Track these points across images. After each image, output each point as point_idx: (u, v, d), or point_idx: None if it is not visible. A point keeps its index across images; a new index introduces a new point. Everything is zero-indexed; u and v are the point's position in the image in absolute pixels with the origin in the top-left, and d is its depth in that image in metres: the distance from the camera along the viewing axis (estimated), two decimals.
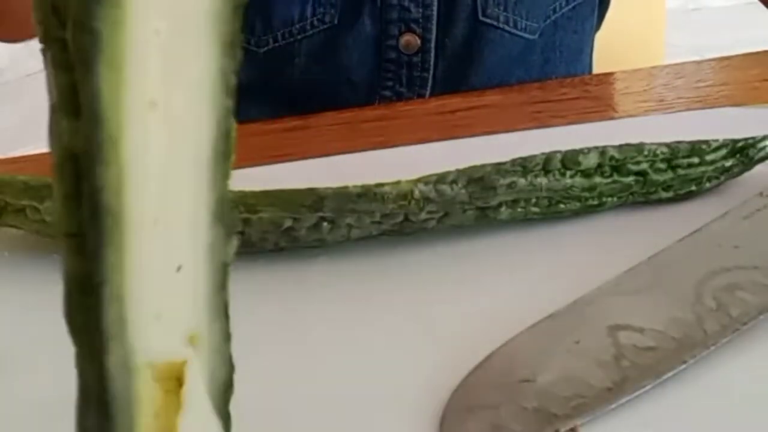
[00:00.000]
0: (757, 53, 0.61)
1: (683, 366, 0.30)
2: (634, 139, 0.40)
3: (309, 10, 0.59)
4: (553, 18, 0.62)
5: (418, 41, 0.59)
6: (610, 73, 0.61)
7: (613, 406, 0.29)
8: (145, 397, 0.20)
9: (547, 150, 0.39)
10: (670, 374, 0.30)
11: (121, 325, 0.20)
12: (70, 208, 0.21)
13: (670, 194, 0.41)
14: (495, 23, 0.60)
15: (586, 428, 0.28)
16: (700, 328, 0.32)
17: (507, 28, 0.60)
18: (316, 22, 0.59)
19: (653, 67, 0.63)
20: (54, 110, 0.19)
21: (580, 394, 0.29)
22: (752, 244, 0.37)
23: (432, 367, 0.31)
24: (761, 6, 0.64)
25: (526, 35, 0.61)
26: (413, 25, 0.59)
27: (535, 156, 0.39)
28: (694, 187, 0.41)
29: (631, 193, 0.40)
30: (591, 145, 0.40)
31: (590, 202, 0.40)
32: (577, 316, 0.33)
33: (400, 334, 0.33)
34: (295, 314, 0.34)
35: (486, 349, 0.31)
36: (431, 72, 0.60)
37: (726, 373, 0.31)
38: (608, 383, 0.29)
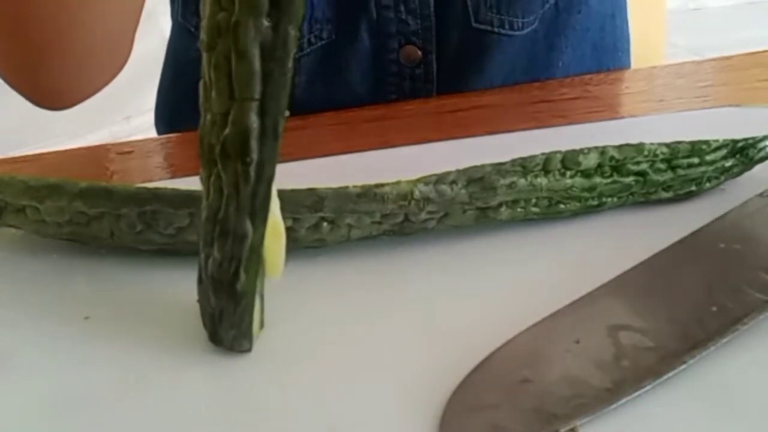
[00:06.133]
0: (757, 53, 0.61)
1: (683, 366, 0.30)
2: (634, 139, 0.40)
3: (305, 27, 0.58)
4: (552, 1, 0.61)
5: (419, 53, 0.59)
6: (610, 73, 0.61)
7: (613, 406, 0.29)
8: None
9: (547, 150, 0.39)
10: (670, 374, 0.30)
11: None
12: None
13: (670, 194, 0.41)
14: (489, 28, 0.59)
15: (586, 428, 0.28)
16: (700, 328, 0.32)
17: (503, 31, 0.59)
18: (313, 39, 0.59)
19: (653, 67, 0.63)
20: None
21: (580, 394, 0.29)
22: (752, 244, 0.37)
23: (432, 367, 0.31)
24: (761, 6, 0.64)
25: (523, 32, 0.60)
26: (413, 38, 0.59)
27: (535, 156, 0.39)
28: (694, 187, 0.41)
29: (631, 193, 0.40)
30: (591, 145, 0.40)
31: (590, 202, 0.40)
32: (576, 316, 0.33)
33: (399, 334, 0.33)
34: (294, 314, 0.34)
35: (486, 349, 0.31)
36: (435, 84, 0.60)
37: (726, 373, 0.31)
38: (608, 383, 0.29)
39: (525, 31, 0.60)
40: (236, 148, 0.29)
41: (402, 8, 0.58)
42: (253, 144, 0.28)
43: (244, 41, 0.27)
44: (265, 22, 0.27)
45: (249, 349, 0.32)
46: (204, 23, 0.28)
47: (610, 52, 0.66)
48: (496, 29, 0.59)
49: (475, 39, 0.59)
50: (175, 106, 0.68)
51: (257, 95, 0.28)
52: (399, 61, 0.59)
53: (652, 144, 0.40)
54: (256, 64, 0.28)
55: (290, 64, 0.28)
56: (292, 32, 0.28)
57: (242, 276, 0.30)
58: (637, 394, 0.29)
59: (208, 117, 0.29)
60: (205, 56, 0.29)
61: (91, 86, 0.53)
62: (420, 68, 0.60)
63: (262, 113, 0.28)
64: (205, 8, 0.28)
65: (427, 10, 0.58)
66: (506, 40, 0.60)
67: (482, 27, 0.59)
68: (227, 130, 0.29)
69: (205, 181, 0.30)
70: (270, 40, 0.28)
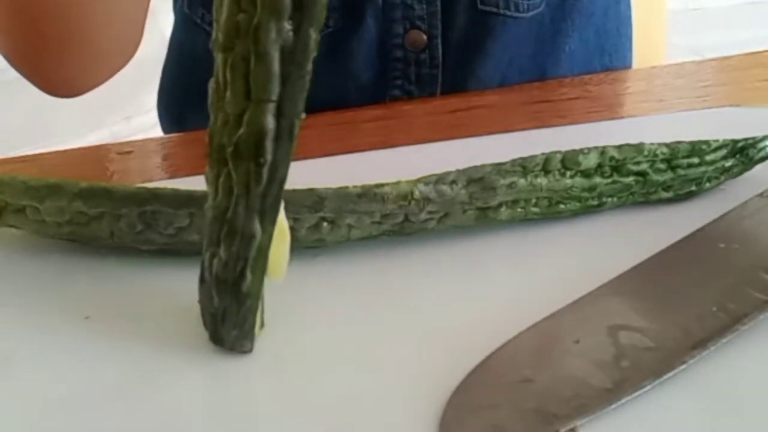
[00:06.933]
0: (757, 53, 0.61)
1: (683, 366, 0.30)
2: (634, 139, 0.40)
3: None
4: None
5: (424, 38, 0.59)
6: (610, 73, 0.61)
7: (613, 406, 0.29)
8: None
9: (547, 150, 0.39)
10: (670, 374, 0.30)
11: None
12: None
13: (670, 194, 0.41)
14: (495, 10, 0.59)
15: (586, 428, 0.28)
16: (700, 328, 0.32)
17: (508, 13, 0.59)
18: None
19: (653, 67, 0.63)
20: None
21: (580, 394, 0.29)
22: (752, 244, 0.37)
23: (432, 367, 0.31)
24: (761, 6, 0.64)
25: (529, 14, 0.60)
26: (418, 22, 0.59)
27: (535, 156, 0.39)
28: (694, 187, 0.41)
29: (631, 193, 0.40)
30: (591, 145, 0.40)
31: (590, 202, 0.40)
32: (577, 316, 0.33)
33: (399, 333, 0.33)
34: (294, 314, 0.34)
35: (486, 349, 0.31)
36: (440, 68, 0.60)
37: (726, 373, 0.31)
38: (608, 383, 0.29)
39: (530, 14, 0.60)
40: (250, 149, 0.29)
41: None
42: (268, 145, 0.28)
43: (264, 43, 0.27)
44: (287, 25, 0.27)
45: (250, 350, 0.32)
46: (220, 24, 0.28)
47: (612, 37, 0.66)
48: (501, 11, 0.59)
49: (481, 21, 0.59)
50: (180, 99, 0.68)
51: (275, 97, 0.28)
52: (404, 46, 0.59)
53: (652, 144, 0.40)
54: (276, 66, 0.28)
55: (309, 66, 0.28)
56: (314, 35, 0.28)
57: (248, 276, 0.30)
58: (637, 394, 0.29)
59: (220, 117, 0.29)
60: (220, 56, 0.29)
61: (101, 75, 0.53)
62: (425, 53, 0.60)
63: (279, 115, 0.28)
64: (222, 9, 0.28)
65: None
66: (512, 23, 0.60)
67: (488, 9, 0.59)
68: (241, 131, 0.28)
69: (213, 181, 0.30)
70: (291, 43, 0.28)
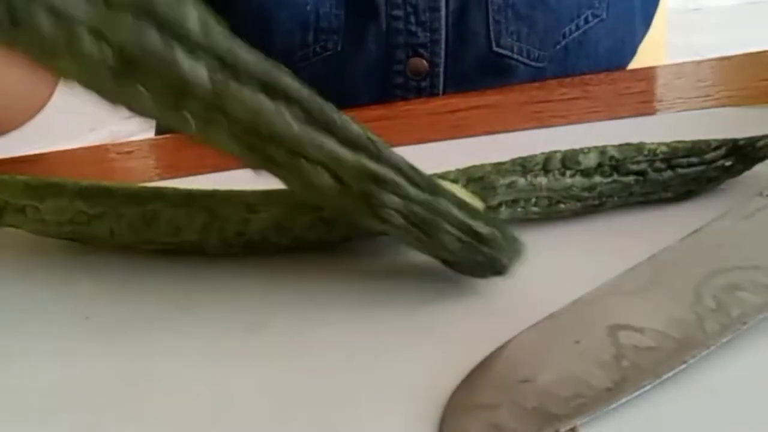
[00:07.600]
0: (757, 53, 0.61)
1: (683, 366, 0.30)
2: (634, 139, 0.40)
3: (311, 37, 0.58)
4: (563, 43, 0.62)
5: (426, 66, 0.59)
6: (610, 73, 0.61)
7: (613, 406, 0.29)
8: None
9: (547, 150, 0.39)
10: (670, 374, 0.30)
11: None
12: None
13: (670, 194, 0.41)
14: (509, 53, 0.60)
15: (586, 428, 0.28)
16: (700, 328, 0.32)
17: (520, 58, 0.60)
18: (318, 49, 0.58)
19: (653, 67, 0.63)
20: None
21: (580, 394, 0.29)
22: (752, 244, 0.37)
23: (432, 367, 0.31)
24: (761, 6, 0.64)
25: (538, 64, 0.61)
26: (421, 50, 0.59)
27: (535, 156, 0.39)
28: (694, 187, 0.41)
29: (631, 193, 0.40)
30: (591, 145, 0.40)
31: (590, 202, 0.40)
32: (577, 316, 0.33)
33: (399, 333, 0.33)
34: (294, 314, 0.34)
35: (486, 349, 0.31)
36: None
37: (726, 373, 0.31)
38: (608, 383, 0.29)
39: (538, 64, 0.61)
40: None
41: (412, 19, 0.58)
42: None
43: None
44: None
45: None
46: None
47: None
48: (514, 55, 0.59)
49: (492, 61, 0.60)
50: None
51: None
52: (405, 73, 0.59)
53: (652, 144, 0.40)
54: None
55: None
56: None
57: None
58: (637, 394, 0.29)
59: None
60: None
61: None
62: (426, 81, 0.60)
63: None
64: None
65: (437, 24, 0.58)
66: (522, 69, 0.60)
67: (502, 51, 0.59)
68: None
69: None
70: None
